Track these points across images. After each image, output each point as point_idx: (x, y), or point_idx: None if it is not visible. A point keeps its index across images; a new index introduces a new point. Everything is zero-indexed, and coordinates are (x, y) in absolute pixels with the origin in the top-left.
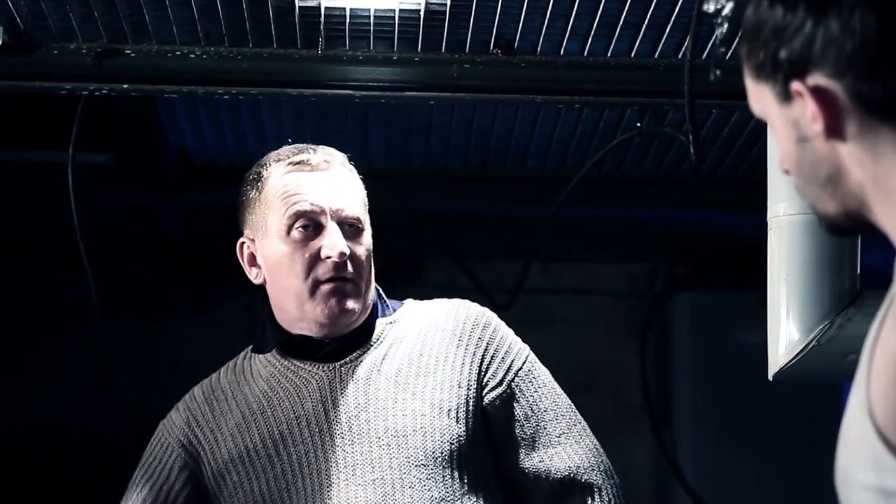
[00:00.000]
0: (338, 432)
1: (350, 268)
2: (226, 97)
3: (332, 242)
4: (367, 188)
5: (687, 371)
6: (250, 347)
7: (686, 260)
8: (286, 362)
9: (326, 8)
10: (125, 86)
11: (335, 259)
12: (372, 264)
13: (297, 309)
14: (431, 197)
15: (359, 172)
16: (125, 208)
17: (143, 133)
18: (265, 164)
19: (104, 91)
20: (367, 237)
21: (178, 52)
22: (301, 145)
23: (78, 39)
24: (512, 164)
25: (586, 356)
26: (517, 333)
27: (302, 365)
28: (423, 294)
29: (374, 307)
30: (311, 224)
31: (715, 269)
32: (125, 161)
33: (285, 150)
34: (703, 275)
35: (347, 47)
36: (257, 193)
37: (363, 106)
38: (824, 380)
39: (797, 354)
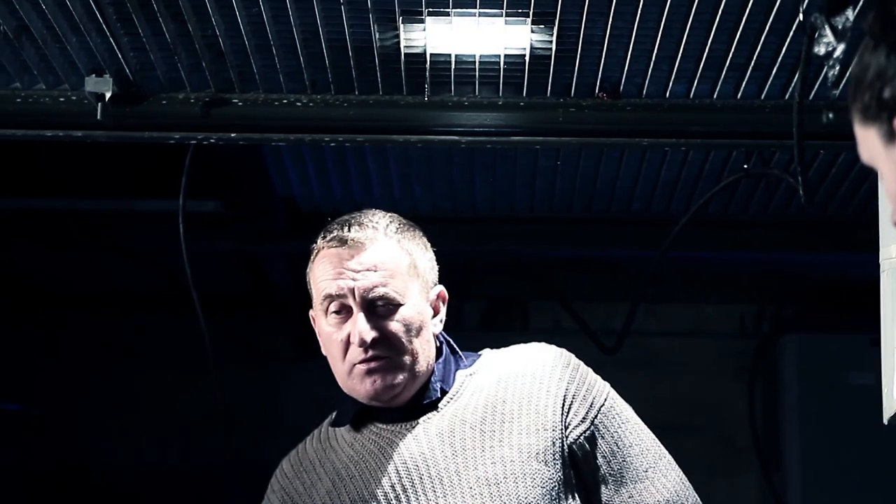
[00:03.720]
0: (429, 486)
1: (381, 349)
2: (332, 144)
3: (357, 329)
4: (471, 232)
5: (796, 413)
6: (333, 414)
7: (794, 301)
8: (369, 426)
9: (432, 54)
10: (233, 135)
11: (358, 346)
12: (420, 332)
13: (345, 387)
14: (537, 240)
15: (464, 217)
16: (232, 255)
17: (251, 180)
18: (318, 238)
19: (212, 140)
20: (406, 311)
21: (284, 101)
22: (348, 217)
23: (186, 89)
24: (617, 207)
25: (694, 398)
26: (624, 375)
27: (384, 426)
28: (529, 338)
29: (449, 361)
30: (341, 308)
31: (823, 310)
32: (232, 208)
33: (333, 223)
34: (810, 316)
35: (453, 93)
36: (310, 270)
37: (468, 151)
38: None
39: None
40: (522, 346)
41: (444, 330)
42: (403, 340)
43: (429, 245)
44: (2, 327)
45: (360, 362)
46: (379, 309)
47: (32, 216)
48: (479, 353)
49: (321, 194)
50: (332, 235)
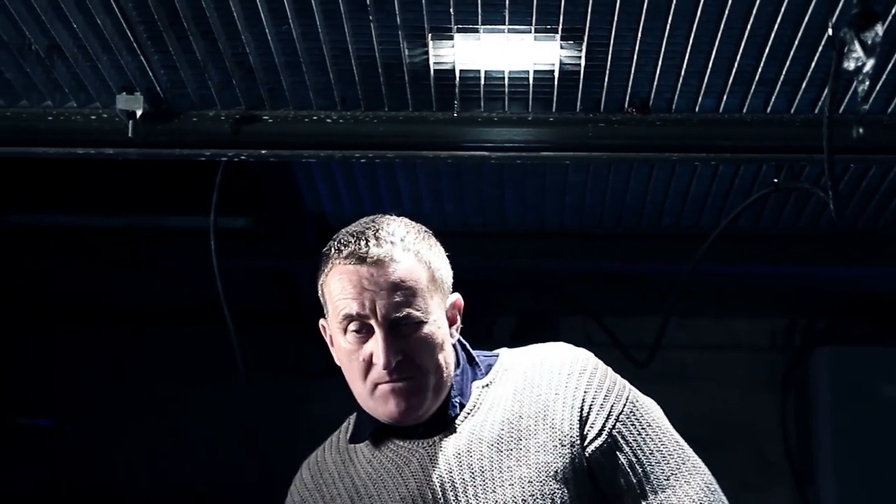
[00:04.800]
0: None
1: (406, 369)
2: (362, 160)
3: (381, 351)
4: (502, 247)
5: (828, 426)
6: (352, 418)
7: (825, 314)
8: (387, 442)
9: (461, 70)
10: (263, 151)
11: (383, 368)
12: (443, 347)
13: (364, 405)
14: (567, 255)
15: (494, 232)
16: (264, 271)
17: (281, 197)
18: (328, 251)
19: (242, 157)
20: (428, 328)
21: (314, 117)
22: (360, 228)
23: (216, 106)
24: (647, 222)
25: (725, 412)
26: (655, 389)
27: (402, 443)
28: None
29: (465, 371)
30: (362, 328)
31: (854, 322)
32: (263, 225)
33: (346, 234)
34: (842, 329)
35: (482, 109)
36: (322, 283)
37: (498, 166)
38: None
39: None
40: (540, 347)
41: (474, 345)
42: (427, 359)
43: (443, 250)
44: (33, 343)
45: (384, 382)
46: (402, 328)
47: (63, 232)
48: (496, 353)
49: (351, 210)
50: (348, 251)
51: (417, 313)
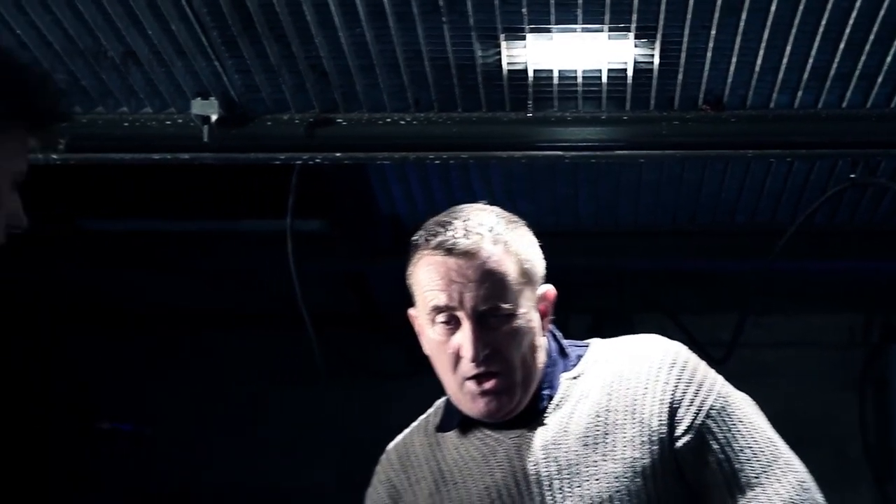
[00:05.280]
0: (531, 503)
1: (494, 363)
2: (436, 162)
3: (468, 344)
4: (576, 246)
5: None
6: (440, 403)
7: None
8: (474, 430)
9: (534, 70)
10: (338, 154)
11: (470, 361)
12: (532, 340)
13: (454, 398)
14: (641, 253)
15: (568, 231)
16: (338, 273)
17: (355, 199)
18: (417, 240)
19: (317, 160)
20: (517, 321)
21: (388, 120)
22: (449, 217)
23: (291, 110)
24: (721, 219)
25: (803, 409)
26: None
27: (489, 433)
28: None
29: (555, 363)
30: (450, 319)
31: None
32: (337, 227)
33: (434, 224)
34: None
35: (556, 108)
36: (410, 273)
37: (572, 166)
38: None
39: None
40: (631, 340)
41: None
42: (515, 352)
43: (535, 240)
44: (113, 348)
45: (472, 378)
46: (491, 321)
47: (140, 238)
48: (586, 343)
49: (425, 211)
50: (436, 241)
51: (506, 305)
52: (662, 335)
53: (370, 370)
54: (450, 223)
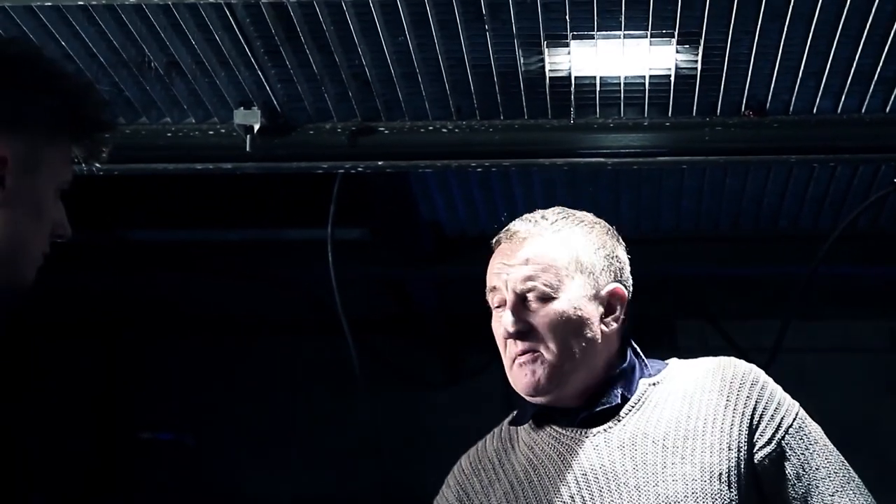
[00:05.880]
0: (608, 500)
1: (531, 341)
2: (478, 170)
3: (504, 320)
4: None
5: None
6: (514, 413)
7: None
8: (548, 429)
9: (577, 77)
10: (380, 163)
11: (504, 337)
12: (579, 328)
13: (511, 382)
14: (683, 259)
15: None
16: (379, 281)
17: (397, 207)
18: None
19: (360, 169)
20: (558, 304)
21: (430, 128)
22: (532, 214)
23: (333, 119)
24: (764, 224)
25: (845, 415)
26: None
27: (564, 431)
28: (678, 357)
29: (633, 367)
30: (501, 302)
31: None
32: (379, 235)
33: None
34: None
35: (598, 115)
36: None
37: (614, 172)
38: None
39: None
40: (712, 358)
41: None
42: (554, 335)
43: (615, 244)
44: (152, 357)
45: (512, 356)
46: (530, 303)
47: (181, 247)
48: (666, 361)
49: (467, 219)
50: (504, 232)
51: (545, 288)
52: (704, 341)
53: (411, 377)
54: (524, 217)
